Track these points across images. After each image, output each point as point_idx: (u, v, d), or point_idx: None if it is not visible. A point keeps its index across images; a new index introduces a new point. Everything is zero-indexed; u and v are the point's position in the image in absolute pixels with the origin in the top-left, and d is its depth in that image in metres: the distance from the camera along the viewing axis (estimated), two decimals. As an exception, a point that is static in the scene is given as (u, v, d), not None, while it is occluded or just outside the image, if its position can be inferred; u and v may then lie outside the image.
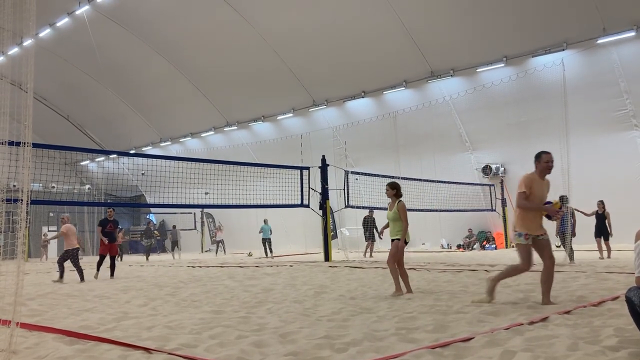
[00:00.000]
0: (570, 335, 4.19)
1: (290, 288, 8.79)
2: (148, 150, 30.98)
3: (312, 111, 23.86)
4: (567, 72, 17.54)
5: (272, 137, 25.90)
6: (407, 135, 21.53)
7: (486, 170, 20.71)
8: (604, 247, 13.75)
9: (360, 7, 18.98)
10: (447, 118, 20.73)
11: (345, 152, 22.58)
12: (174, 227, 27.33)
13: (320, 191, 16.54)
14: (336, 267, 13.07)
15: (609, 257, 13.48)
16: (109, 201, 31.79)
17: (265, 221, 22.21)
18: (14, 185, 5.45)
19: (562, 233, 12.40)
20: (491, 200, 20.99)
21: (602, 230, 13.79)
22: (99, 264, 13.11)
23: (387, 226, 7.94)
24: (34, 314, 6.65)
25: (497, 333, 4.42)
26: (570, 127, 17.99)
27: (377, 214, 18.42)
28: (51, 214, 30.63)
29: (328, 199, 16.54)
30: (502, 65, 18.40)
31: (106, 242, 13.14)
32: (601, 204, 13.92)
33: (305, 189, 16.68)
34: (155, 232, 28.20)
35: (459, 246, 21.87)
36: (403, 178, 17.15)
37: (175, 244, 25.78)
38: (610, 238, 13.81)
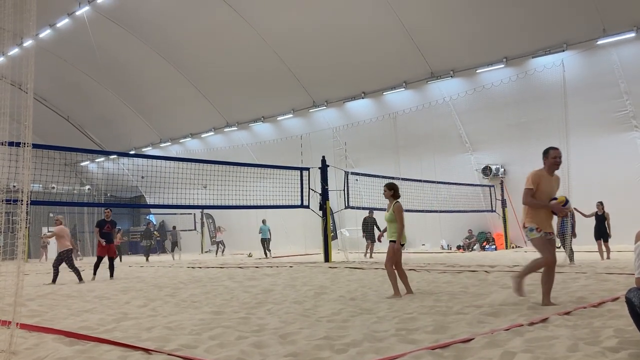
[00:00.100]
0: (570, 336, 4.19)
1: (290, 289, 8.79)
2: (148, 150, 30.99)
3: (312, 112, 23.87)
4: (567, 73, 17.57)
5: (272, 137, 25.91)
6: (407, 136, 21.54)
7: (486, 171, 20.71)
8: (604, 248, 13.73)
9: (360, 8, 18.99)
10: (447, 119, 20.74)
11: (345, 153, 22.57)
12: (174, 227, 27.33)
13: (320, 192, 16.54)
14: (336, 267, 13.06)
15: (608, 258, 13.46)
16: (110, 200, 31.83)
17: (263, 221, 22.22)
18: (14, 186, 5.44)
19: (562, 234, 12.39)
20: (491, 201, 20.99)
21: (602, 232, 13.75)
22: (96, 265, 13.06)
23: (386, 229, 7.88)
24: (34, 315, 6.65)
25: (497, 334, 4.41)
26: (570, 128, 18.02)
27: (377, 215, 18.42)
28: (51, 215, 30.59)
29: (328, 200, 16.54)
30: (502, 66, 18.41)
31: (104, 243, 13.10)
32: (600, 205, 13.88)
33: (305, 190, 16.68)
34: (155, 232, 28.20)
35: (459, 247, 21.87)
36: (403, 179, 17.16)
37: (175, 244, 25.78)
38: (609, 239, 13.78)
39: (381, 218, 9.81)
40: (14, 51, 20.98)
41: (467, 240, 21.79)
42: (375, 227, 18.65)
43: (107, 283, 11.63)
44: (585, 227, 13.78)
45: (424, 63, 19.86)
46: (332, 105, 23.18)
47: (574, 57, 17.22)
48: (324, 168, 16.58)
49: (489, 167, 20.63)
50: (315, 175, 16.69)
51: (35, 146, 7.72)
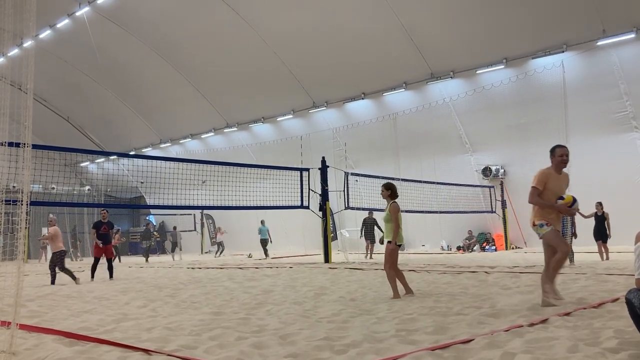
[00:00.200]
0: (570, 337, 4.19)
1: (290, 289, 8.79)
2: (148, 151, 31.00)
3: (312, 112, 23.88)
4: (567, 74, 17.59)
5: (272, 138, 25.92)
6: (407, 136, 21.55)
7: (486, 171, 20.71)
8: (603, 249, 13.71)
9: (360, 9, 19.00)
10: (447, 120, 20.74)
11: (345, 154, 22.58)
12: (175, 228, 27.33)
13: (320, 192, 16.54)
14: (336, 268, 13.06)
15: (607, 258, 13.44)
16: (110, 201, 31.82)
17: (262, 222, 22.21)
18: (14, 186, 5.43)
19: (562, 235, 12.36)
20: (491, 201, 20.99)
21: (602, 232, 13.72)
22: (94, 267, 13.02)
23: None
24: (34, 315, 6.64)
25: (497, 335, 4.41)
26: (570, 129, 18.04)
27: (378, 216, 18.42)
28: (51, 215, 30.62)
29: (328, 201, 16.54)
30: (502, 67, 18.43)
31: (100, 245, 13.07)
32: (599, 205, 13.86)
33: (305, 191, 16.68)
34: (155, 233, 28.18)
35: (458, 248, 21.87)
36: (403, 179, 17.16)
37: (175, 245, 25.76)
38: (609, 239, 13.75)
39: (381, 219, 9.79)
40: (14, 52, 20.99)
41: (467, 241, 21.79)
42: (375, 228, 18.65)
43: (106, 284, 11.63)
44: (584, 227, 13.77)
45: (424, 64, 19.87)
46: (332, 105, 23.19)
47: (574, 58, 17.23)
48: (323, 169, 16.58)
49: (489, 168, 20.63)
50: (315, 176, 16.69)
51: (35, 147, 7.72)
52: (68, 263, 12.44)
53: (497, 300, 6.46)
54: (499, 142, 20.39)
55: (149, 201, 27.09)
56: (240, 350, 4.23)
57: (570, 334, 4.32)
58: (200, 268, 15.96)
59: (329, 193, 16.60)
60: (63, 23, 22.80)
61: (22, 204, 4.49)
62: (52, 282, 11.98)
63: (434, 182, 19.20)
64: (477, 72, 19.01)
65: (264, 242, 22.04)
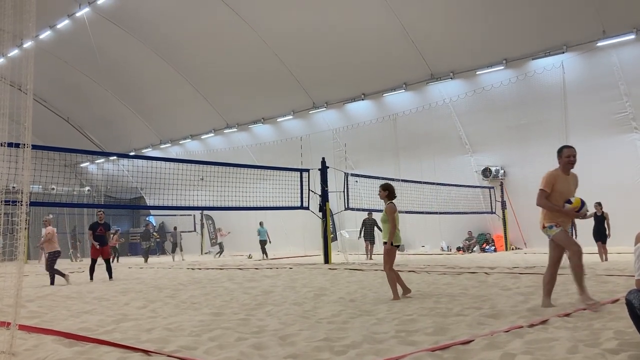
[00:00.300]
0: (570, 338, 4.19)
1: (290, 290, 8.78)
2: (148, 152, 31.00)
3: (312, 113, 23.89)
4: (567, 74, 17.59)
5: (272, 139, 25.92)
6: (407, 137, 21.55)
7: (486, 172, 20.71)
8: (603, 250, 13.69)
9: (360, 9, 19.01)
10: (447, 120, 20.75)
11: (345, 155, 22.60)
12: (175, 228, 27.33)
13: (320, 193, 16.54)
14: (336, 269, 13.05)
15: (605, 260, 13.41)
16: (109, 202, 31.83)
17: (261, 224, 22.19)
18: (14, 187, 5.43)
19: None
20: (491, 202, 20.99)
21: (601, 233, 13.69)
22: (92, 268, 13.01)
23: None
24: (33, 316, 6.64)
25: (496, 336, 4.41)
26: (570, 130, 18.04)
27: (377, 217, 18.43)
28: (51, 216, 30.62)
29: (328, 201, 16.54)
30: (502, 67, 18.44)
31: (97, 246, 13.04)
32: (599, 205, 13.85)
33: (305, 191, 16.68)
34: (155, 234, 28.15)
35: (458, 248, 21.87)
36: (403, 180, 17.17)
37: (175, 245, 25.75)
38: (608, 239, 13.72)
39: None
40: (14, 52, 20.99)
41: (466, 241, 21.79)
42: (375, 228, 18.65)
43: (106, 284, 11.62)
44: (584, 228, 13.76)
45: (424, 64, 19.87)
46: (332, 106, 23.20)
47: (574, 58, 17.24)
48: (323, 169, 16.58)
49: (489, 169, 20.63)
50: (315, 176, 16.69)
51: (35, 147, 7.72)
52: (68, 263, 12.41)
53: (497, 301, 6.46)
54: (498, 143, 20.39)
55: (149, 202, 27.07)
56: (240, 351, 4.23)
57: (570, 335, 4.32)
58: (200, 269, 15.96)
59: (329, 194, 16.60)
60: (63, 24, 22.80)
61: (22, 205, 4.49)
62: (52, 283, 12.00)
63: (434, 183, 19.21)
64: (477, 72, 19.01)
65: (262, 244, 22.04)
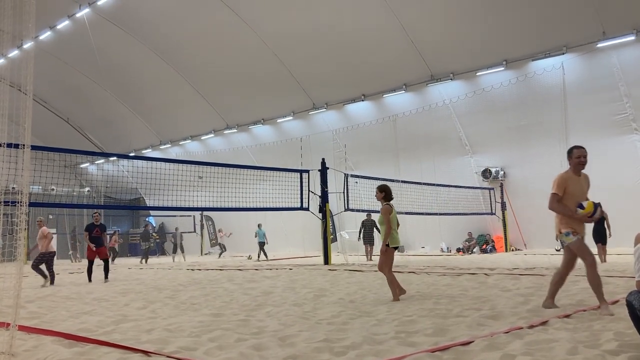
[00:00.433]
0: (570, 339, 4.19)
1: (290, 291, 8.78)
2: (148, 152, 31.00)
3: (312, 114, 23.89)
4: (567, 75, 17.60)
5: (272, 140, 25.93)
6: (407, 138, 21.56)
7: (486, 173, 20.71)
8: (602, 251, 13.65)
9: (361, 10, 19.02)
10: (447, 121, 20.75)
11: (345, 155, 22.59)
12: (176, 229, 27.30)
13: (320, 194, 16.54)
14: (335, 270, 13.05)
15: (604, 260, 13.37)
16: (109, 202, 31.82)
17: (259, 226, 22.19)
18: (14, 188, 5.43)
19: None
20: (491, 203, 20.98)
21: (601, 234, 13.66)
22: (89, 269, 12.98)
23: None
24: (33, 317, 6.64)
25: (496, 337, 4.41)
26: (570, 131, 18.04)
27: (376, 218, 18.41)
28: (51, 217, 30.62)
29: (328, 202, 16.53)
30: (502, 68, 18.45)
31: (93, 248, 12.99)
32: (599, 206, 13.79)
33: (305, 192, 16.68)
34: (154, 234, 28.12)
35: (458, 250, 21.86)
36: (403, 181, 17.16)
37: (176, 246, 25.73)
38: (608, 240, 13.67)
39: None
40: (14, 53, 21.00)
41: (466, 242, 21.78)
42: (375, 230, 18.63)
43: (106, 285, 11.61)
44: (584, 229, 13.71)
45: (424, 65, 19.88)
46: (332, 107, 23.20)
47: (574, 60, 17.24)
48: (323, 170, 16.58)
49: (489, 170, 20.63)
50: (315, 177, 16.69)
51: (34, 148, 7.73)
52: (68, 264, 12.39)
53: (497, 302, 6.45)
54: (498, 144, 20.39)
55: (149, 202, 27.07)
56: (239, 351, 4.23)
57: (570, 336, 4.31)
58: (199, 269, 15.95)
59: (329, 195, 16.60)
60: (63, 24, 22.79)
61: (21, 205, 4.48)
62: (52, 283, 11.99)
63: (433, 184, 19.20)
64: (477, 73, 19.01)
65: (261, 245, 22.03)
